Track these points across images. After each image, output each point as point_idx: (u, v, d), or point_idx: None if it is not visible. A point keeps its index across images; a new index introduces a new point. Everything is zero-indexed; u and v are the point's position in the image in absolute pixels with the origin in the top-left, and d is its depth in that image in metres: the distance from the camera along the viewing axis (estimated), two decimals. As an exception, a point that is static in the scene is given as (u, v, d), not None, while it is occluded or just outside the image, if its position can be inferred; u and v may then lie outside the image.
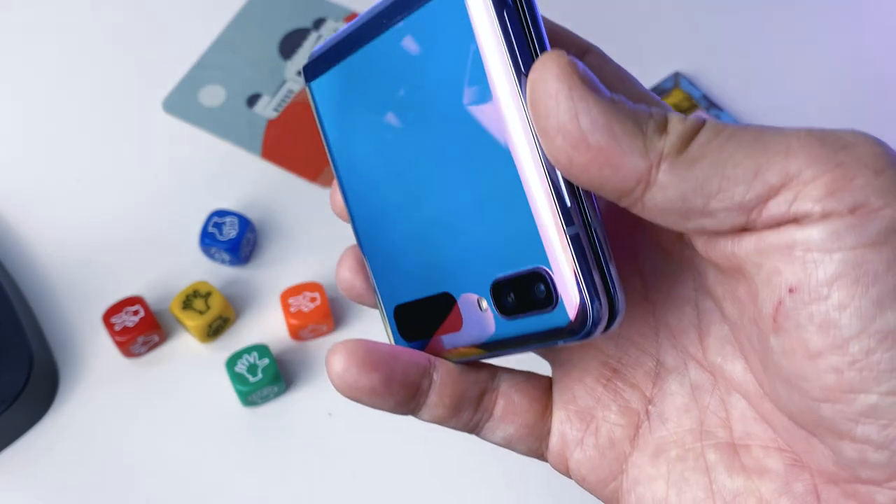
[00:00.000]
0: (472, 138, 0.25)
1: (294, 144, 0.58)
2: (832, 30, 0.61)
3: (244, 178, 0.56)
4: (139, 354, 0.51)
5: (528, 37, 0.23)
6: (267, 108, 0.59)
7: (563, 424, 0.29)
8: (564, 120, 0.22)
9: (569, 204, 0.24)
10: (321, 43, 0.30)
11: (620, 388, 0.28)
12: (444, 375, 0.29)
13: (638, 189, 0.23)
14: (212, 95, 0.59)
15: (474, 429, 0.30)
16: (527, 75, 0.23)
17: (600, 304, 0.24)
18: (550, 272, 0.24)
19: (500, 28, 0.23)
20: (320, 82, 0.30)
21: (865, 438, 0.22)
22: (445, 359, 0.29)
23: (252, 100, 0.59)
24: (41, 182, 0.57)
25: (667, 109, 0.24)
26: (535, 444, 0.30)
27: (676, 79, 0.58)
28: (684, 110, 0.57)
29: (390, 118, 0.27)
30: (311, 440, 0.49)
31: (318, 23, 0.62)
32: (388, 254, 0.29)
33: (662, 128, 0.23)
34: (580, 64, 0.23)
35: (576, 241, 0.24)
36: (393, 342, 0.30)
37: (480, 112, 0.24)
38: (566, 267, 0.24)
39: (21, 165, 0.58)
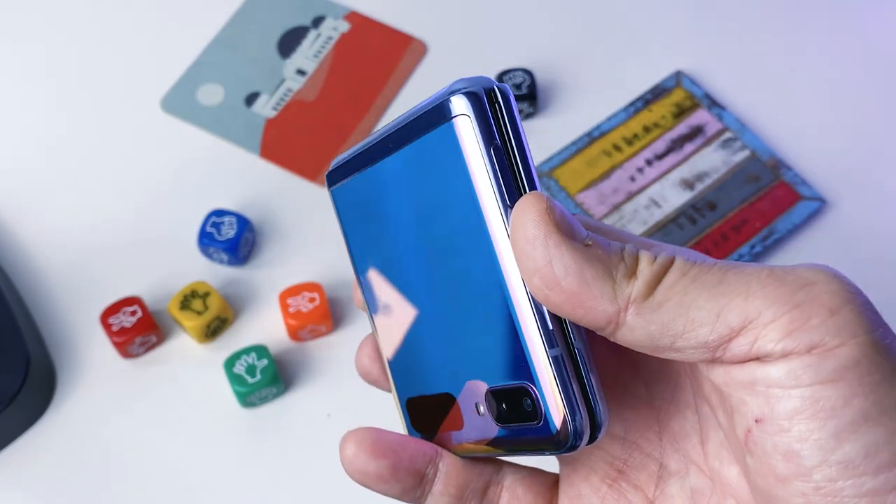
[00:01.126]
0: (467, 257, 0.27)
1: (293, 143, 0.57)
2: (834, 28, 0.61)
3: (242, 178, 0.56)
4: (137, 355, 0.51)
5: (515, 172, 0.26)
6: (266, 107, 0.59)
7: None
8: (540, 264, 0.24)
9: (551, 327, 0.25)
10: (343, 153, 0.32)
11: (625, 488, 0.29)
12: (449, 466, 0.30)
13: (608, 328, 0.25)
14: (210, 94, 0.59)
15: None
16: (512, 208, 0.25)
17: (582, 418, 0.25)
18: (535, 389, 0.26)
19: (489, 163, 0.25)
20: (340, 189, 0.32)
21: None
22: (453, 453, 0.30)
23: (251, 98, 0.59)
24: (39, 182, 0.57)
25: (642, 246, 0.26)
26: None
27: (678, 77, 0.58)
28: (686, 109, 0.57)
29: (399, 229, 0.29)
30: (310, 441, 0.49)
31: (318, 21, 0.61)
32: (402, 349, 0.31)
33: (632, 272, 0.24)
34: (558, 208, 0.25)
35: (557, 362, 0.25)
36: (406, 431, 0.32)
37: (473, 236, 0.26)
38: (549, 385, 0.25)
39: (18, 165, 0.57)
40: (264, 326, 0.52)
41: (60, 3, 0.63)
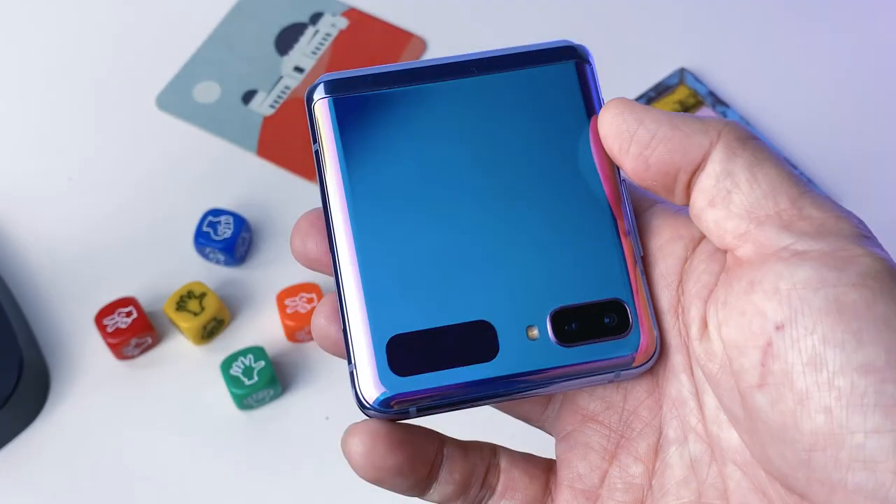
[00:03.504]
0: (559, 178, 0.29)
1: (291, 142, 0.57)
2: (838, 26, 0.61)
3: (239, 177, 0.56)
4: (132, 357, 0.51)
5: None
6: (263, 105, 0.58)
7: None
8: (634, 128, 0.27)
9: (642, 252, 0.28)
10: (357, 70, 0.31)
11: (625, 463, 0.29)
12: (453, 450, 0.29)
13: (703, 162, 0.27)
14: (206, 92, 0.59)
15: None
16: None
17: (658, 332, 0.28)
18: (629, 303, 0.28)
19: (598, 102, 0.30)
20: (347, 100, 0.30)
21: (857, 488, 0.23)
22: (441, 395, 0.28)
23: (248, 96, 0.58)
24: (33, 180, 0.56)
25: None
26: None
27: (682, 75, 0.58)
28: (689, 107, 0.57)
29: (453, 149, 0.30)
30: (307, 444, 0.49)
31: (315, 17, 0.61)
32: (397, 281, 0.29)
33: None
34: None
35: (644, 276, 0.28)
36: (375, 375, 0.28)
37: (575, 157, 0.29)
38: (642, 298, 0.28)
39: (12, 164, 0.57)
40: (261, 327, 0.51)
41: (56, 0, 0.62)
